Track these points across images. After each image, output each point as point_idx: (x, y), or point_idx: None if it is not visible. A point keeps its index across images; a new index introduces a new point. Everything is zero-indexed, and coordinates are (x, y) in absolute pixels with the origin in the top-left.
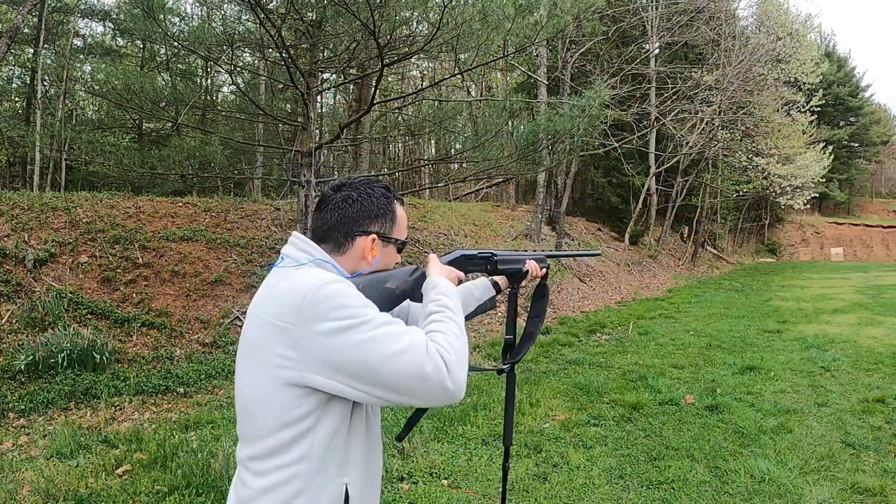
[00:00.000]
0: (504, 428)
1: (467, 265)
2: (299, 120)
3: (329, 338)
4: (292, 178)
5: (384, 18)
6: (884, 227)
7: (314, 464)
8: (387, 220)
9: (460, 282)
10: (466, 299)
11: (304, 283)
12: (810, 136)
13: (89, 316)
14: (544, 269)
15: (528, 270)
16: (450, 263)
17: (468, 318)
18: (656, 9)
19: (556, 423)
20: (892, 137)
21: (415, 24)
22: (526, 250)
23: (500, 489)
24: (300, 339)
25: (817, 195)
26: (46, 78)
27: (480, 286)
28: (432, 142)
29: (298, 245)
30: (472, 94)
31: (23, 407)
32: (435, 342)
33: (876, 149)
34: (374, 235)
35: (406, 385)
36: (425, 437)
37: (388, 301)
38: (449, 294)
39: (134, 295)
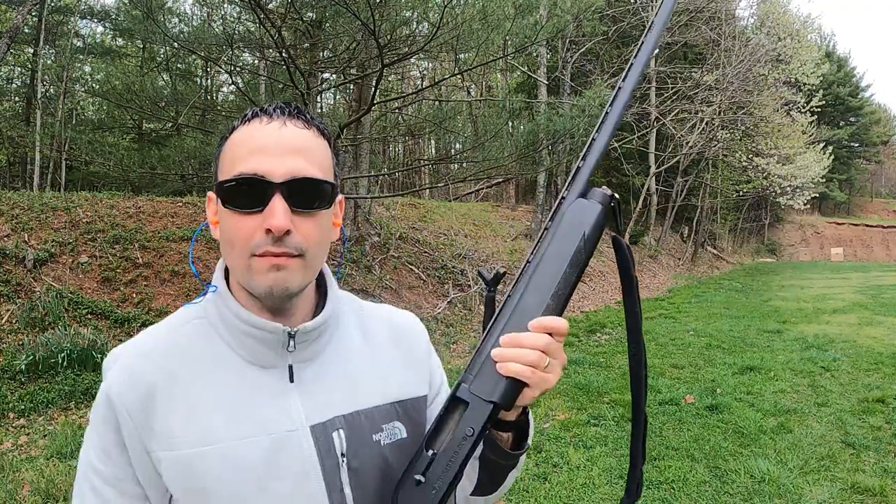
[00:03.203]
0: None
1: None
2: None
3: None
4: None
5: (384, 18)
6: (884, 227)
7: None
8: (217, 163)
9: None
10: None
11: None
12: (810, 136)
13: (89, 316)
14: (601, 206)
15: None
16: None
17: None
18: (656, 9)
19: (556, 423)
20: (892, 137)
21: (415, 24)
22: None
23: None
24: None
25: (817, 195)
26: (46, 78)
27: None
28: (432, 142)
29: None
30: (472, 94)
31: (23, 407)
32: None
33: (876, 149)
34: (209, 195)
35: None
36: None
37: None
38: None
39: (134, 295)
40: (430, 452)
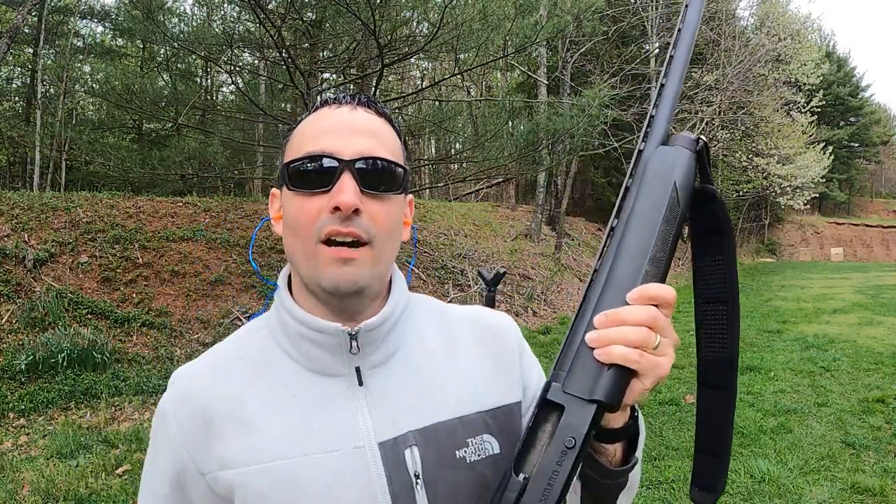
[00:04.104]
0: None
1: None
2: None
3: None
4: None
5: (384, 18)
6: (884, 227)
7: None
8: (283, 153)
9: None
10: None
11: None
12: (810, 136)
13: (89, 316)
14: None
15: None
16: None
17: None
18: (656, 9)
19: None
20: (892, 137)
21: (415, 24)
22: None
23: None
24: None
25: (817, 195)
26: (46, 78)
27: None
28: (432, 142)
29: None
30: (472, 94)
31: (23, 407)
32: None
33: (876, 149)
34: (273, 191)
35: None
36: None
37: None
38: None
39: (134, 295)
40: (522, 477)
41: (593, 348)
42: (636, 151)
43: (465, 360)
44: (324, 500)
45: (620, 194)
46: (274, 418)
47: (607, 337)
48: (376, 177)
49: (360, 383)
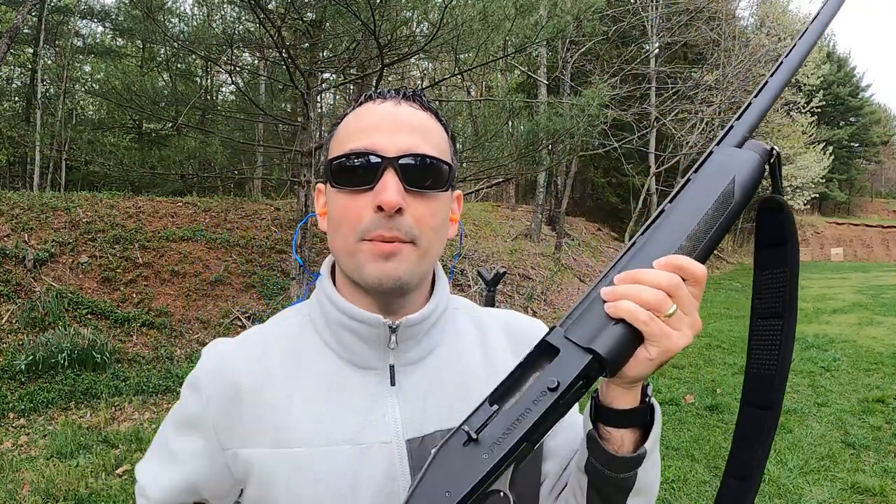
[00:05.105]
0: None
1: None
2: (299, 120)
3: None
4: (292, 178)
5: (384, 18)
6: (884, 227)
7: None
8: (327, 148)
9: None
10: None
11: None
12: (810, 136)
13: (89, 316)
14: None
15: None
16: None
17: None
18: (656, 9)
19: None
20: (892, 137)
21: (415, 24)
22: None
23: None
24: None
25: (817, 195)
26: (46, 78)
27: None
28: None
29: None
30: (472, 94)
31: (23, 407)
32: None
33: (876, 149)
34: (318, 186)
35: None
36: None
37: None
38: None
39: (134, 295)
40: (494, 407)
41: (605, 302)
42: (707, 152)
43: (497, 362)
44: (342, 492)
45: (681, 184)
46: (302, 404)
47: (620, 292)
48: (421, 174)
49: (393, 382)
